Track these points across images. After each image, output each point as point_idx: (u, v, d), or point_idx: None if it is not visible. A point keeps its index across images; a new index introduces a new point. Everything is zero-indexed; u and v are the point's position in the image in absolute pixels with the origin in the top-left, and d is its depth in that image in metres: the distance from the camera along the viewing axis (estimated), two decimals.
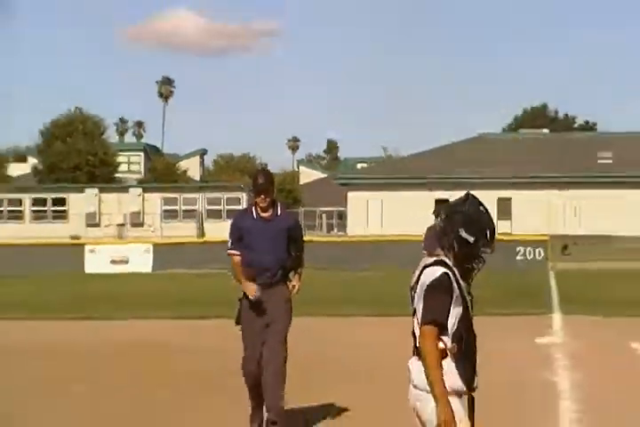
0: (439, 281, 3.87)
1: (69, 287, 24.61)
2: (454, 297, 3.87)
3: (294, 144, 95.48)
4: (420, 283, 3.92)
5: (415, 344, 3.93)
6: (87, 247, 33.52)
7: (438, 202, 16.77)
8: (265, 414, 6.79)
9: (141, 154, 66.82)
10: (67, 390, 9.65)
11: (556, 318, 16.20)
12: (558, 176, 48.18)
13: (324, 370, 10.79)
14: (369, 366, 11.24)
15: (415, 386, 3.93)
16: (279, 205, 6.79)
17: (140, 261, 32.43)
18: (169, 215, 50.68)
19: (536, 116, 75.82)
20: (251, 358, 6.72)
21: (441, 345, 3.82)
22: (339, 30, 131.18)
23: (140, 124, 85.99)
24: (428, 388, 3.83)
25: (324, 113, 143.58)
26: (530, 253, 29.28)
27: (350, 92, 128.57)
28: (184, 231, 44.79)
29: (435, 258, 3.99)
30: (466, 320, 3.89)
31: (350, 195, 50.47)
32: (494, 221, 4.03)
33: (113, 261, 32.42)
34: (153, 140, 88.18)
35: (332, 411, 8.03)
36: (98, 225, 49.95)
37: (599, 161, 49.71)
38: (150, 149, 69.51)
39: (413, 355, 3.93)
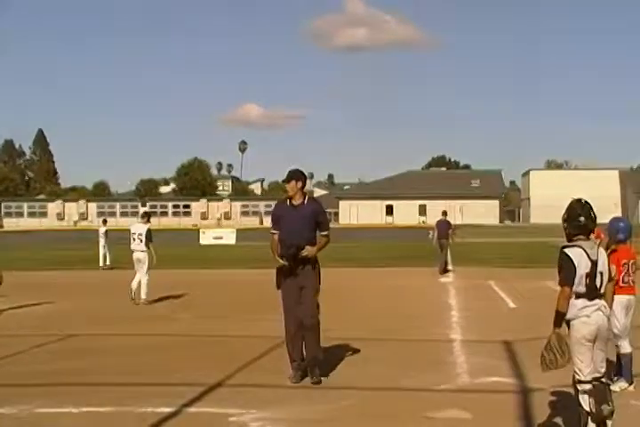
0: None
1: (194, 251, 36.99)
2: None
3: (310, 176, 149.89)
4: (603, 257, 5.27)
5: (601, 290, 5.20)
6: (201, 230, 52.00)
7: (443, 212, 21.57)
8: (305, 354, 7.49)
9: (230, 181, 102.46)
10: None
11: (449, 268, 21.84)
12: (451, 193, 72.03)
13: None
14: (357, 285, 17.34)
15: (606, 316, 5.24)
16: (307, 196, 7.46)
17: (229, 237, 49.32)
18: (244, 213, 76.32)
19: (439, 161, 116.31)
20: (289, 318, 7.44)
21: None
22: (336, 115, 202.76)
23: (229, 165, 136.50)
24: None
25: (327, 161, 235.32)
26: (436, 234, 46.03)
27: (342, 151, 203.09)
28: (252, 222, 67.92)
29: (595, 240, 5.33)
30: None
31: (341, 203, 78.56)
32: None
33: (214, 238, 49.26)
34: (235, 173, 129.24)
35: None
36: (206, 218, 75.16)
37: (472, 185, 77.03)
38: (234, 178, 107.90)
39: (600, 299, 5.20)
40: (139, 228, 14.89)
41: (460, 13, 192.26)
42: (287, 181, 7.46)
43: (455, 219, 64.65)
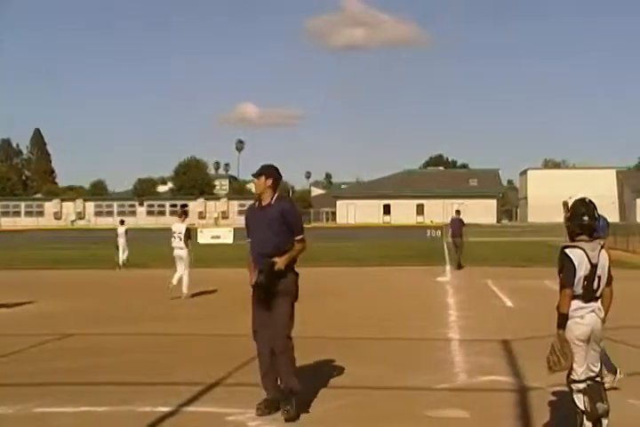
0: None
1: (193, 251, 34.63)
2: None
3: (307, 175, 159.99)
4: (604, 261, 5.14)
5: (597, 293, 5.09)
6: (199, 229, 49.94)
7: (457, 211, 23.68)
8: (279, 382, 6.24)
9: (227, 180, 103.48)
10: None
11: (447, 267, 22.50)
12: (448, 193, 72.19)
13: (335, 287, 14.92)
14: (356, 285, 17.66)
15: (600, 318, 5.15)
16: (276, 195, 6.28)
17: (227, 236, 49.49)
18: (241, 212, 74.34)
19: (436, 160, 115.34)
20: (258, 341, 6.32)
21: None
22: (334, 115, 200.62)
23: (226, 164, 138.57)
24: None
25: (325, 160, 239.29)
26: (434, 233, 46.28)
27: (340, 151, 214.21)
28: None
29: (600, 241, 5.23)
30: None
31: (338, 202, 78.71)
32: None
33: (212, 237, 49.15)
34: (233, 172, 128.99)
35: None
36: (204, 218, 74.51)
37: (469, 184, 77.15)
38: (231, 177, 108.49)
39: (596, 301, 5.12)
40: (179, 227, 15.75)
41: (458, 12, 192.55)
42: (256, 176, 6.37)
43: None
